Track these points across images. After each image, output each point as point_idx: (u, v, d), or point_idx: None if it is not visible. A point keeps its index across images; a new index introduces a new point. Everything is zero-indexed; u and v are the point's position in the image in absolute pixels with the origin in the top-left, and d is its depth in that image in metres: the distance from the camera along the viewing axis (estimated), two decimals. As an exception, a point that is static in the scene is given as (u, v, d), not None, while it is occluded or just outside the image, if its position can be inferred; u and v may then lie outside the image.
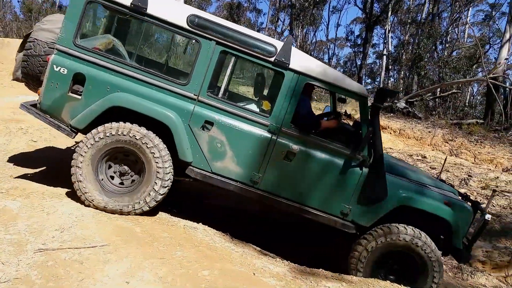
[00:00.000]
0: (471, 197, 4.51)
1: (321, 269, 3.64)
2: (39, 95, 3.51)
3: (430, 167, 9.26)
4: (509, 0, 16.67)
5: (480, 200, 7.30)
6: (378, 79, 31.31)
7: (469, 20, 25.93)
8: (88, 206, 3.44)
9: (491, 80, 13.76)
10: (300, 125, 3.65)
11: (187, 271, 2.79)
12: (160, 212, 3.84)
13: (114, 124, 3.43)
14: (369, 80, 39.66)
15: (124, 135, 3.41)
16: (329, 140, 3.66)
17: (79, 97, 3.46)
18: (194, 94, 3.54)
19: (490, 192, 7.69)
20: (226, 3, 35.19)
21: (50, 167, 4.78)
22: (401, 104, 15.59)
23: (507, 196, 7.44)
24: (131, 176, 3.59)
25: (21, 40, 3.85)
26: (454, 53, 21.98)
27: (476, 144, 11.79)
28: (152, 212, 3.65)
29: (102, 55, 3.50)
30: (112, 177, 3.58)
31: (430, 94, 18.24)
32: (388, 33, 28.64)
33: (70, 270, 2.50)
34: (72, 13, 3.45)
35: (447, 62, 19.21)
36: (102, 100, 3.42)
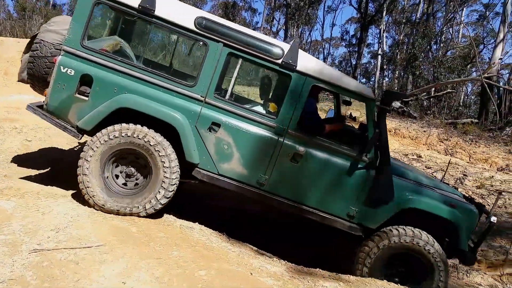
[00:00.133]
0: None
1: (318, 269, 3.64)
2: (45, 96, 3.49)
3: (426, 167, 9.29)
4: (503, 0, 16.76)
5: (476, 199, 7.33)
6: (373, 79, 31.38)
7: (464, 20, 26.10)
8: (88, 200, 3.43)
9: (485, 80, 13.83)
10: (306, 127, 3.64)
11: (183, 271, 2.78)
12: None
13: (131, 126, 3.43)
14: (364, 80, 39.79)
15: (139, 138, 3.41)
16: (336, 142, 3.65)
17: (86, 98, 3.45)
18: (201, 96, 3.53)
19: (485, 191, 7.73)
20: (221, 2, 35.09)
21: (45, 167, 4.75)
22: (396, 103, 15.64)
23: (502, 195, 7.48)
24: (136, 179, 3.58)
25: (15, 38, 3.83)
26: (449, 53, 22.04)
27: (471, 144, 11.85)
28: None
29: (110, 57, 3.49)
30: (117, 176, 3.57)
31: (425, 93, 18.32)
32: (383, 33, 28.79)
33: (65, 271, 2.47)
34: (79, 14, 3.43)
35: (441, 62, 19.26)
36: (109, 102, 3.41)
